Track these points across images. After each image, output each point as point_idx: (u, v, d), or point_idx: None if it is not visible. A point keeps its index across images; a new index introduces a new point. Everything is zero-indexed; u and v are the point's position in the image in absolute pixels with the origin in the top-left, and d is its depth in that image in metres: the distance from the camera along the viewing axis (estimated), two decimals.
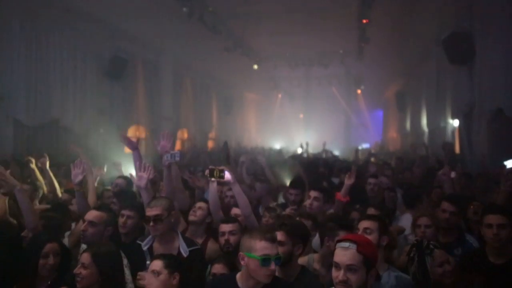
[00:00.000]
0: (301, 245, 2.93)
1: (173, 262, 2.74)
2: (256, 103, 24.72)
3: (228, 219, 3.54)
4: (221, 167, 3.54)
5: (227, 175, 3.46)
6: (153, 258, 2.83)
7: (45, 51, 8.95)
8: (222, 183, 3.96)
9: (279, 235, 2.75)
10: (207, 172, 3.55)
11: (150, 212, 3.17)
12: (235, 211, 3.96)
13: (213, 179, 3.52)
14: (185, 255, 3.14)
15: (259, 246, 2.36)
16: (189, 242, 3.27)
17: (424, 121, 14.26)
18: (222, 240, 3.34)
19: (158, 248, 3.18)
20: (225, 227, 3.36)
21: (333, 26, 13.51)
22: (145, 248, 3.18)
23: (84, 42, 10.18)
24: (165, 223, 3.17)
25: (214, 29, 12.38)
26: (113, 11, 9.98)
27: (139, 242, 3.25)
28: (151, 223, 3.13)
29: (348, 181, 4.28)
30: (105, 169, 5.85)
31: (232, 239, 3.28)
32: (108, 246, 2.90)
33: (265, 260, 2.34)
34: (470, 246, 3.57)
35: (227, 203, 4.58)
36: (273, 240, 2.41)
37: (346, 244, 2.11)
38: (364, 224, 2.99)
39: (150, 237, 3.24)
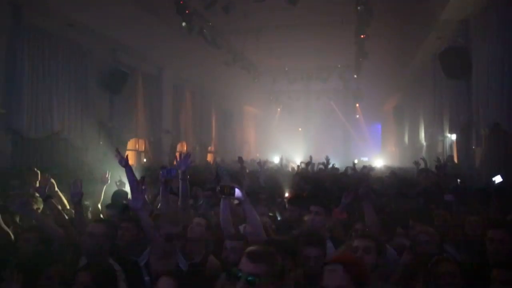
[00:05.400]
0: (289, 262, 2.88)
1: (185, 283, 2.58)
2: (255, 116, 24.81)
3: (233, 235, 3.46)
4: (232, 184, 3.49)
5: (238, 192, 3.41)
6: (162, 273, 2.70)
7: (47, 64, 9.02)
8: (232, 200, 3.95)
9: None
10: (218, 189, 3.52)
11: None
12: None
13: (224, 196, 3.53)
14: (184, 268, 3.07)
15: (240, 262, 2.13)
16: (187, 257, 3.22)
17: (422, 134, 14.34)
18: (223, 256, 3.30)
19: (155, 263, 3.09)
20: (228, 244, 3.30)
21: (331, 41, 13.69)
22: (142, 264, 3.11)
23: (85, 56, 10.27)
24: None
25: (213, 44, 12.52)
26: (114, 26, 10.11)
27: (135, 258, 3.19)
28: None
29: (346, 199, 4.39)
30: (108, 178, 5.81)
31: (232, 257, 3.15)
32: (104, 265, 2.86)
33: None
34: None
35: None
36: (252, 258, 2.08)
37: (332, 266, 2.03)
38: (362, 242, 2.93)
39: (146, 251, 3.18)
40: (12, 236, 3.68)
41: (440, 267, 2.74)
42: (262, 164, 8.42)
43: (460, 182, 6.92)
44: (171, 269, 2.87)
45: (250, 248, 2.21)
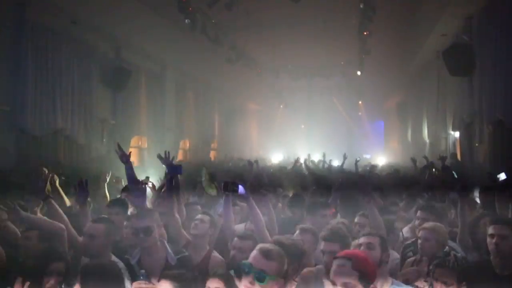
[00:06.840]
0: (296, 264, 2.82)
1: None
2: (258, 113, 24.76)
3: (245, 235, 3.39)
4: (235, 181, 3.51)
5: (241, 189, 3.42)
6: (161, 276, 2.65)
7: (51, 61, 9.03)
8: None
9: None
10: (221, 185, 3.52)
11: (139, 223, 3.11)
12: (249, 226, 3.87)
13: (227, 192, 3.52)
14: (172, 263, 3.09)
15: (250, 256, 2.17)
16: (176, 250, 3.23)
17: (425, 132, 14.31)
18: (231, 254, 3.30)
19: (145, 260, 3.12)
20: (237, 243, 3.26)
21: (334, 38, 13.67)
22: (133, 262, 3.11)
23: (89, 53, 10.29)
24: (154, 236, 3.13)
25: (216, 41, 12.53)
26: (118, 23, 10.11)
27: (127, 256, 3.18)
28: (141, 235, 3.08)
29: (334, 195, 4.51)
30: (107, 178, 5.83)
31: (239, 256, 3.09)
32: (110, 262, 2.85)
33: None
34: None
35: None
36: (265, 254, 2.13)
37: (341, 261, 2.11)
38: (366, 239, 2.94)
39: (137, 250, 3.18)
40: (20, 235, 3.70)
41: (436, 273, 2.77)
42: (251, 164, 7.85)
43: (457, 177, 6.89)
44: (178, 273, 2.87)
45: (264, 245, 2.26)
